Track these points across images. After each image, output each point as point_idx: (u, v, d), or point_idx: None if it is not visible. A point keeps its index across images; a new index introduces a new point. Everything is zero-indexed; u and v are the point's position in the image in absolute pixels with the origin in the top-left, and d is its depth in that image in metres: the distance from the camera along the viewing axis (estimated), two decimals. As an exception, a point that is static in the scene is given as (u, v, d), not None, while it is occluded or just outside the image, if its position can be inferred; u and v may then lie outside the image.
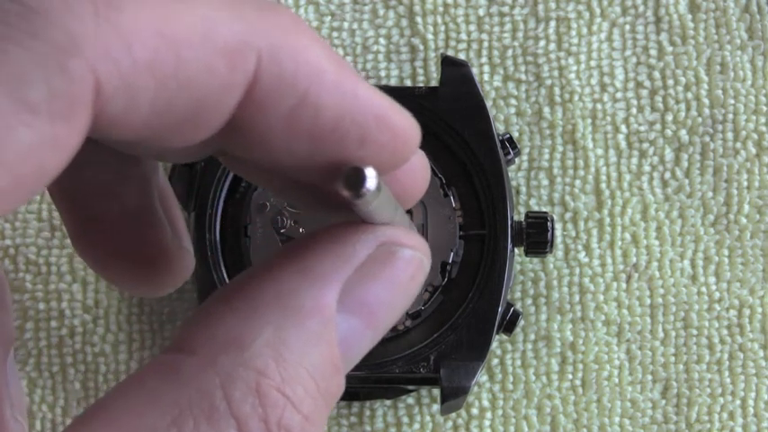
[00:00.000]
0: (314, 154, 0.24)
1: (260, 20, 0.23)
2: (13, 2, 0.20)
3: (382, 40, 0.39)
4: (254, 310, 0.25)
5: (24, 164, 0.20)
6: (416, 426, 0.38)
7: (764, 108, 0.38)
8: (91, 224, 0.27)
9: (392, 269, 0.27)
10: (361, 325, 0.27)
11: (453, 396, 0.34)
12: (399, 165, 0.27)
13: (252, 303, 0.25)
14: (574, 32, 0.39)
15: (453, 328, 0.34)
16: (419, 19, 0.39)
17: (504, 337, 0.37)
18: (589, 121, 0.39)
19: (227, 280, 0.34)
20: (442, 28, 0.39)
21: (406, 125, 0.26)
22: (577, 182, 0.38)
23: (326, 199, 0.27)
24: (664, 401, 0.38)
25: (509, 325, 0.35)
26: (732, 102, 0.38)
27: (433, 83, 0.39)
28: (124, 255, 0.26)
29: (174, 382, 0.24)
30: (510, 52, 0.39)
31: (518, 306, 0.37)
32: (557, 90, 0.39)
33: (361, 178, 0.23)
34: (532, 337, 0.38)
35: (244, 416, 0.24)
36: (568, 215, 0.38)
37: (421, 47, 0.39)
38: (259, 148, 0.25)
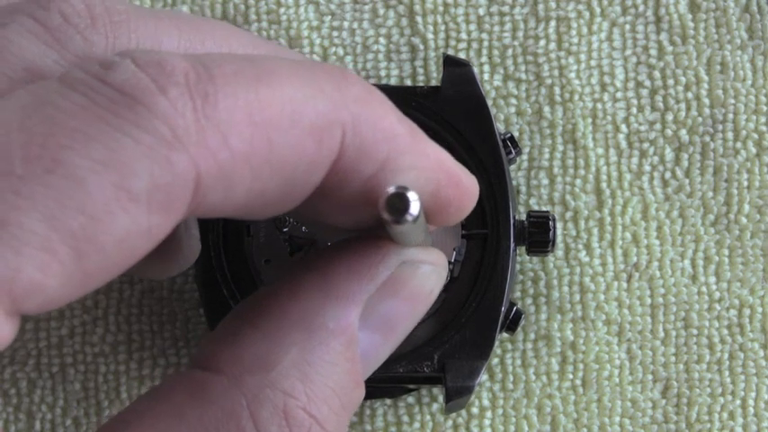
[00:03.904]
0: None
1: (338, 93, 0.24)
2: (123, 95, 0.21)
3: (382, 40, 0.39)
4: (279, 329, 0.25)
5: (117, 248, 0.20)
6: (416, 425, 0.38)
7: (765, 108, 0.39)
8: None
9: (412, 286, 0.27)
10: (381, 339, 0.27)
11: (458, 395, 0.34)
12: (462, 217, 0.27)
13: (276, 323, 0.25)
14: (574, 32, 0.39)
15: (456, 328, 0.34)
16: (419, 18, 0.39)
17: (505, 335, 0.37)
18: (589, 120, 0.39)
19: (230, 281, 0.34)
20: (443, 27, 0.39)
21: (470, 181, 0.27)
22: (578, 181, 0.38)
23: (349, 220, 0.27)
24: (664, 401, 0.38)
25: (512, 324, 0.35)
26: (732, 101, 0.39)
27: (434, 82, 0.39)
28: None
29: (200, 400, 0.24)
30: (510, 52, 0.39)
31: (518, 305, 0.37)
32: (557, 89, 0.39)
33: (404, 204, 0.23)
34: (532, 336, 0.38)
35: None
36: (569, 214, 0.38)
37: (421, 46, 0.39)
38: (332, 210, 0.25)
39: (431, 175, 0.25)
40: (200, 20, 0.28)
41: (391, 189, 0.23)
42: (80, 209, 0.20)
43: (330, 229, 0.29)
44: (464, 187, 0.27)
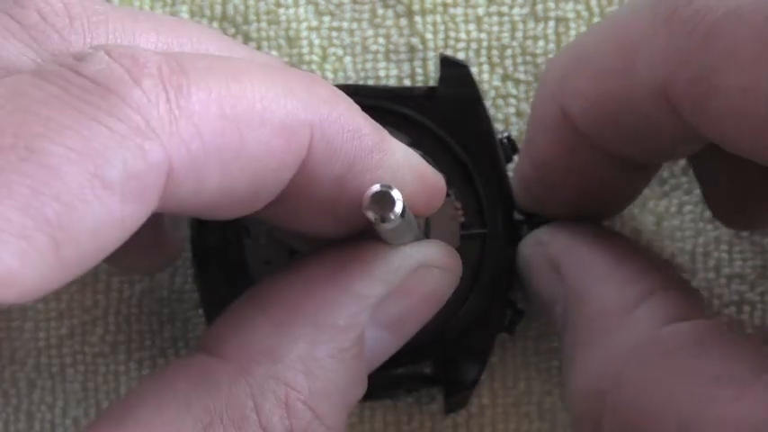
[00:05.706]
0: (350, 207, 0.25)
1: (307, 95, 0.24)
2: (97, 85, 0.21)
3: (381, 40, 0.39)
4: (289, 321, 0.25)
5: (92, 237, 0.21)
6: (416, 425, 0.38)
7: (763, 106, 0.39)
8: None
9: (427, 289, 0.28)
10: (389, 338, 0.27)
11: (458, 395, 0.34)
12: (431, 212, 0.28)
13: (286, 314, 0.26)
14: (573, 32, 0.39)
15: (457, 327, 0.34)
16: (418, 18, 0.39)
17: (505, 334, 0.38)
18: (588, 119, 0.39)
19: (230, 282, 0.34)
20: (441, 27, 0.39)
21: (436, 177, 0.28)
22: (577, 180, 0.38)
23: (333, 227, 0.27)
24: (664, 399, 0.38)
25: (512, 324, 0.35)
26: (730, 100, 0.39)
27: (432, 82, 0.39)
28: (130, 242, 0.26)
29: (205, 387, 0.24)
30: (509, 52, 0.39)
31: (518, 305, 0.37)
32: (556, 89, 0.39)
33: (388, 202, 0.23)
34: (532, 333, 0.38)
35: (271, 427, 0.24)
36: (568, 213, 0.38)
37: (420, 46, 0.39)
38: (302, 212, 0.26)
39: (398, 172, 0.26)
40: (179, 22, 0.28)
41: (375, 188, 0.24)
42: (55, 197, 0.20)
43: (310, 241, 0.29)
44: (430, 183, 0.27)
